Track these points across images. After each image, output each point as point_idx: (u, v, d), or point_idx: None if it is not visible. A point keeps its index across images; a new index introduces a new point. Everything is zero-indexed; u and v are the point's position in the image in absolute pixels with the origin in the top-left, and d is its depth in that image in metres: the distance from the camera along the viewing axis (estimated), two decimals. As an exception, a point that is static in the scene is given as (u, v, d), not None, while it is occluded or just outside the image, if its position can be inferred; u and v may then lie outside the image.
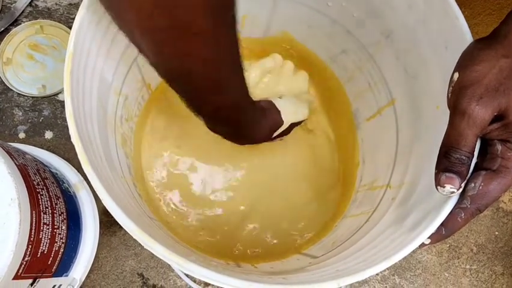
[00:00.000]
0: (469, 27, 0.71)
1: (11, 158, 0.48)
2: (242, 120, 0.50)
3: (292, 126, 0.59)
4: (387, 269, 0.69)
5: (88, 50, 0.39)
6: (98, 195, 0.34)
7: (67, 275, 0.59)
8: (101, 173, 0.37)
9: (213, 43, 0.34)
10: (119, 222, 0.34)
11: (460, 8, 0.74)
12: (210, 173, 0.62)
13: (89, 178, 0.34)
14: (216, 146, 0.63)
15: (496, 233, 0.71)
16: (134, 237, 0.33)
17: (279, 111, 0.55)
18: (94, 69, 0.41)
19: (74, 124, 0.35)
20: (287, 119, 0.56)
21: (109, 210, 0.34)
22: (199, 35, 0.33)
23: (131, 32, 0.35)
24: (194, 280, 0.63)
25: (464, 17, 0.72)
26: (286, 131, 0.58)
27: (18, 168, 0.48)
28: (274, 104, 0.56)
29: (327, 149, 0.66)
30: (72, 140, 0.35)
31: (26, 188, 0.47)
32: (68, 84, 0.36)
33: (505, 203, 0.73)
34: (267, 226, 0.61)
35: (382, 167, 0.53)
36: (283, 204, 0.63)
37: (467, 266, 0.70)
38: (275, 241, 0.60)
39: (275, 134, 0.56)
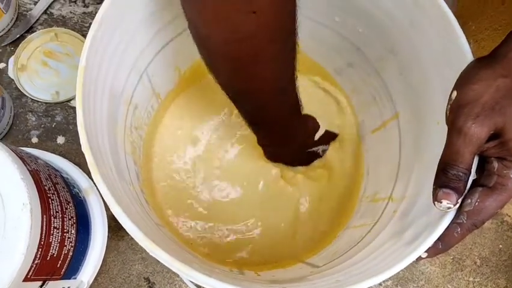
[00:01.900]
0: (475, 41, 0.72)
1: (23, 163, 0.50)
2: (294, 126, 0.55)
3: (327, 136, 0.63)
4: (390, 279, 0.69)
5: (99, 63, 0.41)
6: (107, 203, 0.36)
7: (75, 278, 0.60)
8: (109, 181, 0.38)
9: (280, 65, 0.42)
10: (126, 229, 0.35)
11: (467, 23, 0.75)
12: (217, 182, 0.63)
13: (98, 187, 0.35)
14: (223, 155, 0.64)
15: (500, 246, 0.72)
16: (139, 243, 0.35)
17: (313, 117, 0.59)
18: (105, 81, 0.43)
19: (85, 135, 0.36)
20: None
21: (116, 217, 0.35)
22: (271, 59, 0.40)
23: (213, 59, 0.40)
24: (199, 287, 0.64)
25: (471, 31, 0.72)
26: (324, 140, 0.63)
27: (31, 174, 0.49)
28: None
29: (336, 159, 0.67)
30: (83, 149, 0.37)
31: (37, 193, 0.48)
32: (80, 97, 0.37)
33: (509, 216, 0.73)
34: (271, 235, 0.62)
35: (385, 179, 0.54)
36: (288, 213, 0.64)
37: (471, 279, 0.70)
38: (279, 250, 0.61)
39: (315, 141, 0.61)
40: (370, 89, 0.57)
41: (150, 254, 0.36)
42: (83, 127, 0.36)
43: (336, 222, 0.62)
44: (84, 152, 0.36)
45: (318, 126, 0.60)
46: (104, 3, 0.40)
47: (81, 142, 0.36)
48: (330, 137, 0.64)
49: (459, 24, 0.74)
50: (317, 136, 0.61)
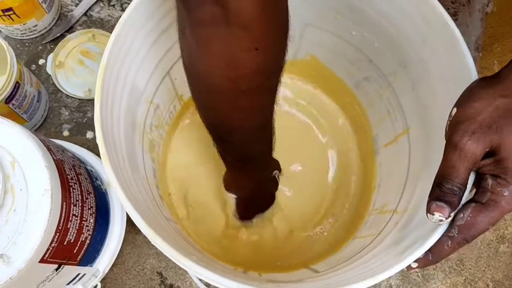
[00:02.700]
0: (499, 63, 0.72)
1: (49, 152, 0.53)
2: (270, 159, 0.56)
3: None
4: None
5: (121, 62, 0.44)
6: (113, 188, 0.38)
7: (91, 266, 0.63)
8: (121, 171, 0.41)
9: (271, 97, 0.44)
10: (129, 214, 0.38)
11: (494, 44, 0.75)
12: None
13: (107, 175, 0.38)
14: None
15: (515, 270, 0.71)
16: (138, 226, 0.37)
17: None
18: (125, 80, 0.45)
19: (100, 128, 0.39)
20: None
21: (120, 200, 0.38)
22: (266, 92, 0.42)
23: (210, 94, 0.41)
24: (207, 285, 0.65)
25: (496, 52, 0.72)
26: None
27: (55, 163, 0.53)
28: None
29: (351, 171, 0.68)
30: (97, 141, 0.39)
31: (59, 181, 0.52)
32: (99, 92, 0.40)
33: (527, 241, 0.72)
34: (282, 243, 0.64)
35: (393, 192, 0.54)
36: (301, 222, 0.65)
37: (482, 301, 0.69)
38: (288, 257, 0.63)
39: None
40: (385, 103, 0.58)
41: (151, 242, 0.38)
42: (99, 120, 0.39)
43: (347, 232, 0.63)
44: (98, 143, 0.39)
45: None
46: (129, 6, 0.43)
47: (96, 133, 0.39)
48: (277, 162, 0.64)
49: (486, 44, 0.74)
50: None
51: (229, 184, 0.60)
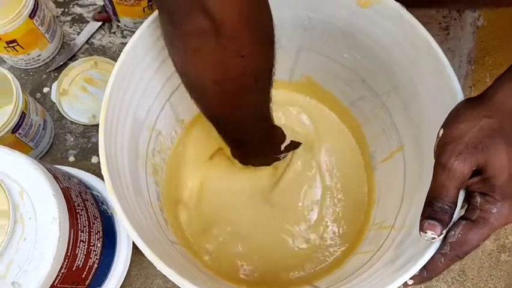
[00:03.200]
0: (491, 76, 0.73)
1: (56, 181, 0.55)
2: (266, 142, 0.61)
3: (292, 145, 0.67)
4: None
5: (123, 94, 0.46)
6: (119, 218, 0.40)
7: (99, 289, 0.64)
8: (125, 200, 0.43)
9: (261, 96, 0.49)
10: (135, 242, 0.39)
11: (485, 57, 0.76)
12: (235, 204, 0.67)
13: (113, 205, 0.40)
14: (245, 177, 0.68)
15: (517, 279, 0.71)
16: (144, 254, 0.39)
17: (281, 129, 0.63)
18: (128, 110, 0.47)
19: (105, 157, 0.41)
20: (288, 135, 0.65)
21: (125, 228, 0.39)
22: (254, 93, 0.47)
23: (202, 94, 0.46)
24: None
25: (488, 65, 0.74)
26: (289, 148, 0.67)
27: (62, 191, 0.54)
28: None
29: (354, 185, 0.69)
30: (102, 170, 0.41)
31: (67, 209, 0.53)
32: (103, 123, 0.42)
33: (527, 250, 0.73)
34: (285, 260, 0.65)
35: (391, 208, 0.56)
36: (304, 240, 0.66)
37: (485, 311, 0.70)
38: (292, 273, 0.64)
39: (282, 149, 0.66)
40: (379, 122, 0.59)
41: (157, 267, 0.39)
42: (104, 149, 0.41)
43: (348, 248, 0.64)
44: (102, 172, 0.41)
45: (284, 138, 0.65)
46: (131, 39, 0.45)
47: (101, 163, 0.41)
48: (294, 145, 0.68)
49: (478, 57, 0.75)
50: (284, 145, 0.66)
51: (233, 153, 0.64)
